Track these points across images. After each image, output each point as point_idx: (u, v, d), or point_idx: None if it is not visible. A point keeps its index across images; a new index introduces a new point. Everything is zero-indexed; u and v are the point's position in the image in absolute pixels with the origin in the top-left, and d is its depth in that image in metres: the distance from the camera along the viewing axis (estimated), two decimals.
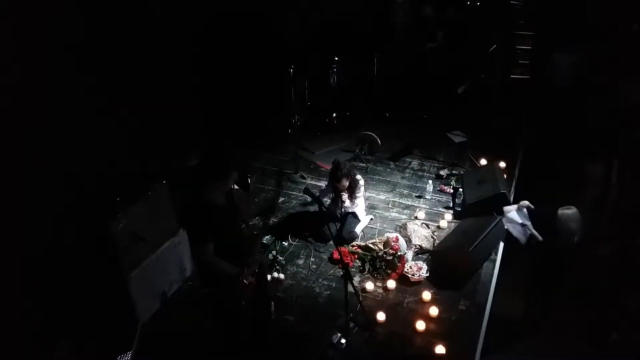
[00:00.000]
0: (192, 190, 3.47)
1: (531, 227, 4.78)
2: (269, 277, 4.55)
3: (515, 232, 4.87)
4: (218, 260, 3.37)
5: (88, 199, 4.08)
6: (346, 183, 5.00)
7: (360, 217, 5.26)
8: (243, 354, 3.86)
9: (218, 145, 5.86)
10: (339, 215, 5.17)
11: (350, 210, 5.16)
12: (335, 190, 5.12)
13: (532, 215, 4.82)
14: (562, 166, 6.54)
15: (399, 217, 5.54)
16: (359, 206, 5.22)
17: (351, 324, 4.08)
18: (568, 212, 4.32)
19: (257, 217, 3.99)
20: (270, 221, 5.22)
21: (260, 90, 6.70)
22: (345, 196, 5.08)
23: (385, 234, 5.09)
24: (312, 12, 7.44)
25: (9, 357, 3.69)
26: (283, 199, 5.84)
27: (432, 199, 5.81)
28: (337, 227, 5.11)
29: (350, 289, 3.86)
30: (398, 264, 4.76)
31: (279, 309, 4.36)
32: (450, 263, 4.72)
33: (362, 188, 5.19)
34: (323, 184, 5.83)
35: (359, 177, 5.17)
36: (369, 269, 4.82)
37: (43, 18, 3.85)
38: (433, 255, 4.95)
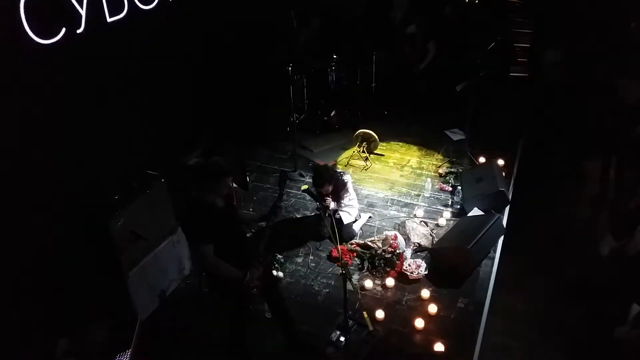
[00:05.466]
0: (190, 193, 3.44)
1: None
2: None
3: None
4: (220, 264, 3.33)
5: (87, 197, 4.07)
6: (329, 188, 4.94)
7: (355, 214, 5.21)
8: (245, 354, 3.85)
9: (215, 146, 5.85)
10: (329, 217, 5.06)
11: (336, 210, 5.05)
12: (319, 194, 4.97)
13: None
14: (560, 164, 6.56)
15: (397, 215, 5.54)
16: (352, 206, 5.15)
17: (350, 322, 4.08)
18: None
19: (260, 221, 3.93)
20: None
21: (259, 89, 6.70)
22: (329, 200, 5.01)
23: (384, 232, 5.09)
24: (312, 11, 7.44)
25: (9, 356, 3.69)
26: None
27: (430, 197, 5.81)
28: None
29: (349, 287, 3.86)
30: (397, 262, 4.77)
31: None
32: (449, 261, 4.72)
33: (351, 187, 5.10)
34: None
35: (346, 177, 5.09)
36: (368, 267, 4.82)
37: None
38: (432, 253, 4.95)
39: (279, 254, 4.93)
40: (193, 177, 3.44)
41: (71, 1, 4.04)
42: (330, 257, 4.97)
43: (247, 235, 3.69)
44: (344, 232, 5.09)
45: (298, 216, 5.55)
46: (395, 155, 6.61)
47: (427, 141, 6.84)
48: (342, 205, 5.11)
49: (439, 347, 4.04)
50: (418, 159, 6.52)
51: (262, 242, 3.53)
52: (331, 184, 4.94)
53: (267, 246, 3.53)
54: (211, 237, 3.28)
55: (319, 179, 4.88)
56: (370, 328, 4.04)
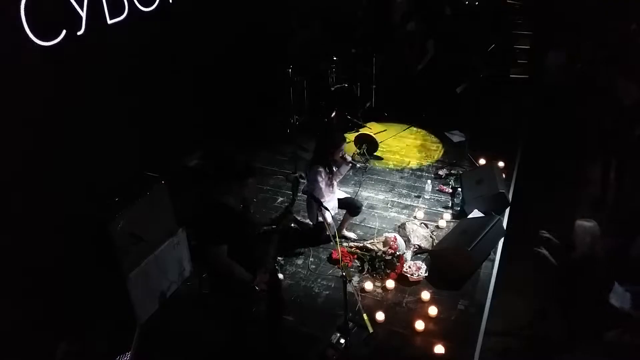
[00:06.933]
0: (207, 192, 3.40)
1: None
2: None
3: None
4: (232, 265, 3.32)
5: (87, 199, 4.07)
6: (344, 146, 4.69)
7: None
8: (245, 355, 3.85)
9: (216, 148, 5.85)
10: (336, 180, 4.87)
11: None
12: (333, 161, 4.69)
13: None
14: (560, 166, 6.56)
15: (397, 216, 5.54)
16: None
17: (350, 324, 4.08)
18: (585, 224, 4.14)
19: (271, 224, 3.91)
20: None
21: (260, 90, 6.70)
22: (349, 157, 4.76)
23: (384, 234, 5.09)
24: (312, 12, 7.45)
25: (10, 357, 3.69)
26: (282, 199, 5.85)
27: (430, 198, 5.81)
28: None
29: (349, 289, 3.86)
30: (397, 264, 4.76)
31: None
32: (449, 263, 4.72)
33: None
34: None
35: None
36: (368, 268, 4.81)
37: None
38: (432, 255, 4.95)
39: (279, 256, 4.92)
40: (214, 177, 3.40)
41: (71, 3, 4.04)
42: (330, 259, 4.97)
43: (257, 238, 3.69)
44: (358, 205, 5.01)
45: (298, 218, 5.54)
46: (395, 157, 6.61)
47: (427, 143, 6.83)
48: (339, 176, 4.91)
49: (439, 349, 4.04)
50: (418, 161, 6.52)
51: (271, 246, 3.52)
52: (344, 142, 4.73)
53: (277, 249, 3.51)
54: (226, 238, 3.26)
55: (339, 135, 4.68)
56: (371, 330, 4.02)
